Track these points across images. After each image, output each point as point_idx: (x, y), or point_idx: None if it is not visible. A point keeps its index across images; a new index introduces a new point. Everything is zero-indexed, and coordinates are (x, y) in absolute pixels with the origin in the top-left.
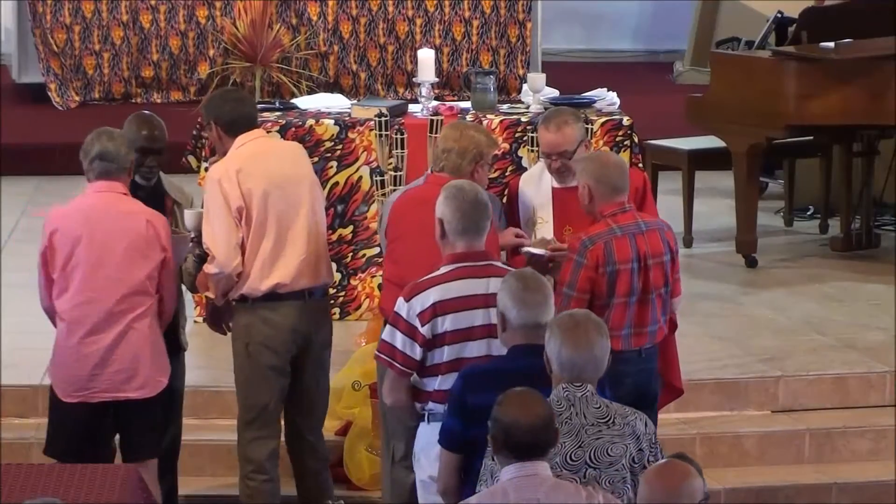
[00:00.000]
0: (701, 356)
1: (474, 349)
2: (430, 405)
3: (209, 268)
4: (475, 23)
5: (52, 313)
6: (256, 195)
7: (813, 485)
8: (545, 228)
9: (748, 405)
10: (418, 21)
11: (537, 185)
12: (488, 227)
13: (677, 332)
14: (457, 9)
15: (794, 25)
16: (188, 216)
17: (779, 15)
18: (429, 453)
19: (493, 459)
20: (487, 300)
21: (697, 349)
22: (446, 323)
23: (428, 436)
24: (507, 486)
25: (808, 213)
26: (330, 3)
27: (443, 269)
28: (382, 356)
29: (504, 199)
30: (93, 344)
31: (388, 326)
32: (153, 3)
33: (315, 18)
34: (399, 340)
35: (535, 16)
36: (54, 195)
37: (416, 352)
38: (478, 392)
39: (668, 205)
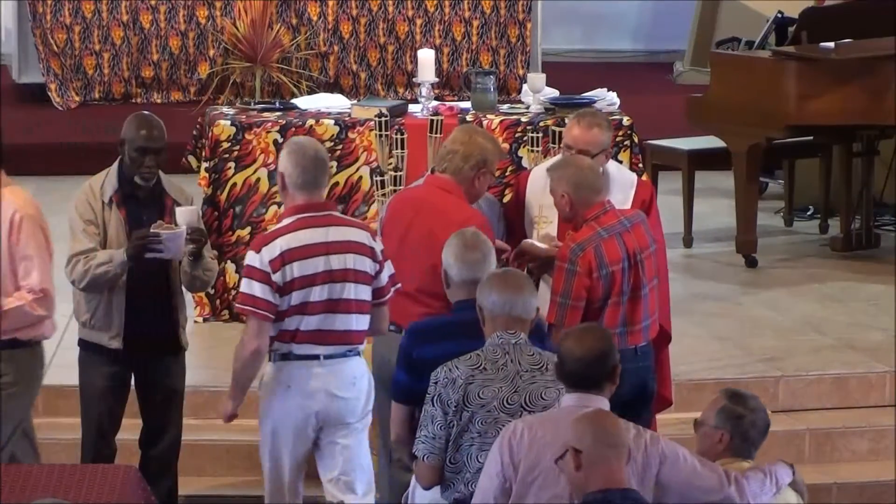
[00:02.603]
0: (701, 356)
1: (317, 294)
2: (275, 345)
3: None
4: (475, 23)
5: None
6: None
7: (813, 485)
8: (549, 229)
9: None
10: (418, 21)
11: (546, 184)
12: (326, 183)
13: (677, 332)
14: (457, 9)
15: (794, 25)
16: (180, 212)
17: (779, 15)
18: (274, 391)
19: (432, 405)
20: (328, 248)
21: (697, 349)
22: (294, 270)
23: (271, 374)
24: (560, 413)
25: (808, 213)
26: (330, 3)
27: (285, 221)
28: (245, 307)
29: (505, 196)
30: None
31: (244, 280)
32: (153, 3)
33: (315, 18)
34: (258, 289)
35: (535, 16)
36: (54, 195)
37: (276, 298)
38: (423, 345)
39: (668, 205)
